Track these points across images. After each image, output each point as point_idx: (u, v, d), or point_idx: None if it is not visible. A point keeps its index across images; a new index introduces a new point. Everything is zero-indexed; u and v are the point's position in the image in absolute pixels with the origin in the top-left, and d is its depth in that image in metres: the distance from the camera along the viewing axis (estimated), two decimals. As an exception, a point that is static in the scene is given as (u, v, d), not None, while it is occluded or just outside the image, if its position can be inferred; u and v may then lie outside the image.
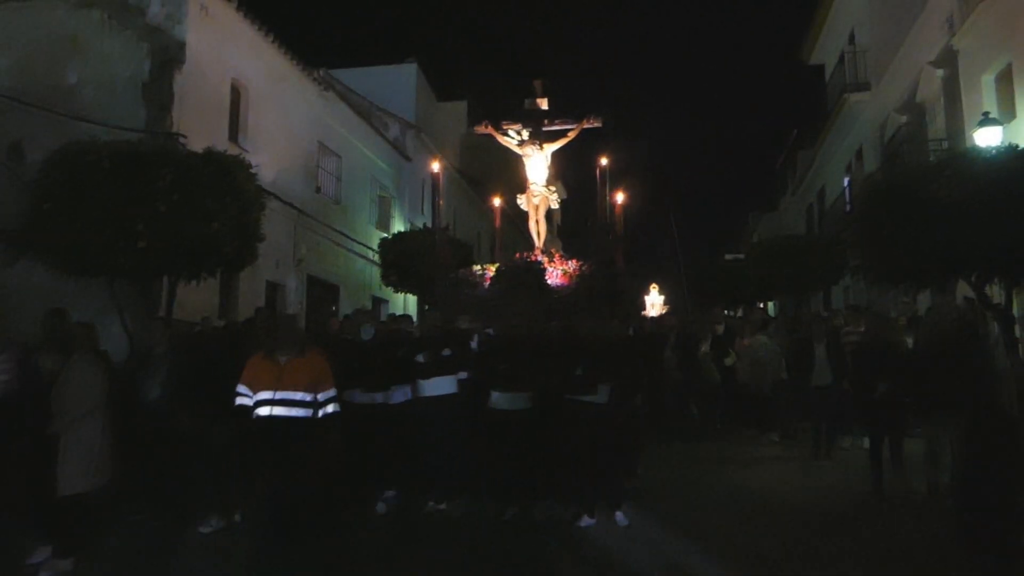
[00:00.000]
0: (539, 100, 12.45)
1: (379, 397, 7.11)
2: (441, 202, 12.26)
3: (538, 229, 12.28)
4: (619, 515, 6.35)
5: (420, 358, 7.05)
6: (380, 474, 7.03)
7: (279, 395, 5.19)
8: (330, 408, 5.33)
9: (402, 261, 15.79)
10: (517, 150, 12.33)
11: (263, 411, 5.21)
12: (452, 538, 6.13)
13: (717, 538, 5.91)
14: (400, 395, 7.12)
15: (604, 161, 11.67)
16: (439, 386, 6.93)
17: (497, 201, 13.22)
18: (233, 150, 11.24)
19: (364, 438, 6.75)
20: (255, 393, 5.26)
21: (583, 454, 6.39)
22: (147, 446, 6.31)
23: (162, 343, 6.91)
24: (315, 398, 5.27)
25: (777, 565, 5.34)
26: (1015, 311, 9.86)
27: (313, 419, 5.26)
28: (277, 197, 13.76)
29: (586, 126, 12.16)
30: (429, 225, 18.96)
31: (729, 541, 5.85)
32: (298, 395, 5.21)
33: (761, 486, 7.67)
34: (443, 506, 6.74)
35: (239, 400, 5.33)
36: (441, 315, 8.14)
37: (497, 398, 6.68)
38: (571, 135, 12.21)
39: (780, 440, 10.26)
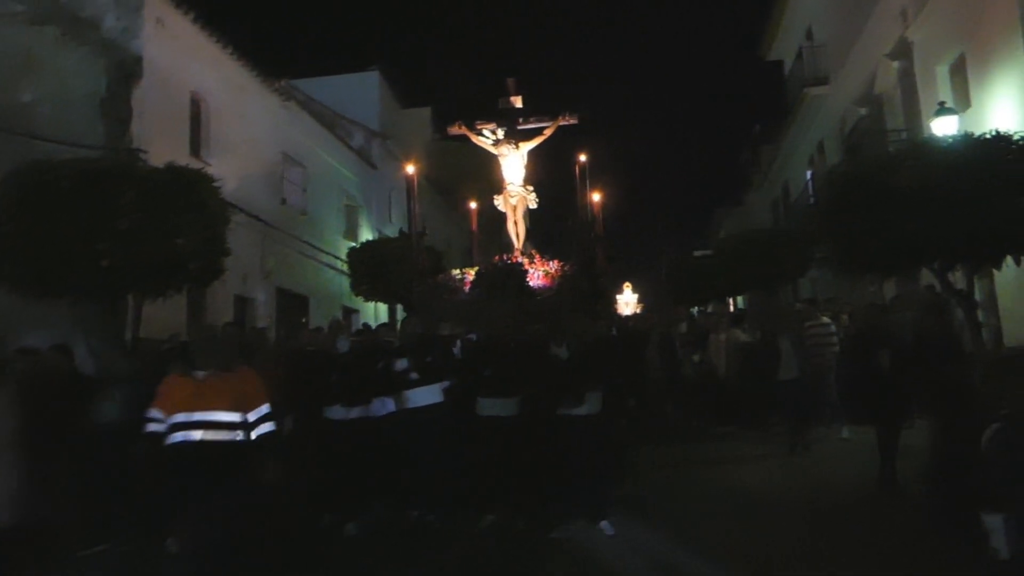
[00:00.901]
0: (513, 98, 12.18)
1: (356, 412, 6.86)
2: (416, 206, 11.99)
3: (517, 231, 12.00)
4: (604, 524, 6.19)
5: (402, 368, 6.88)
6: (362, 491, 6.80)
7: (197, 416, 4.55)
8: (265, 427, 4.67)
9: (372, 270, 15.65)
10: (492, 150, 12.07)
11: (178, 437, 4.54)
12: (440, 549, 6.06)
13: (708, 540, 5.85)
14: (380, 407, 6.90)
15: (583, 158, 11.39)
16: (425, 396, 6.76)
17: (473, 204, 13.01)
18: (195, 164, 11.04)
19: (344, 455, 6.63)
20: (169, 417, 4.61)
21: (571, 466, 6.30)
22: (104, 471, 6.05)
23: (122, 364, 6.73)
24: (244, 419, 4.63)
25: (772, 565, 5.31)
26: (977, 296, 10.07)
27: (244, 443, 4.61)
28: (242, 210, 13.55)
29: (562, 123, 11.92)
30: (398, 233, 18.79)
31: (720, 542, 5.80)
32: (220, 415, 4.57)
33: (748, 485, 7.63)
34: (430, 517, 6.61)
35: (149, 427, 4.64)
36: (421, 322, 7.95)
37: (485, 404, 6.58)
38: (547, 133, 11.95)
39: (762, 435, 10.28)
